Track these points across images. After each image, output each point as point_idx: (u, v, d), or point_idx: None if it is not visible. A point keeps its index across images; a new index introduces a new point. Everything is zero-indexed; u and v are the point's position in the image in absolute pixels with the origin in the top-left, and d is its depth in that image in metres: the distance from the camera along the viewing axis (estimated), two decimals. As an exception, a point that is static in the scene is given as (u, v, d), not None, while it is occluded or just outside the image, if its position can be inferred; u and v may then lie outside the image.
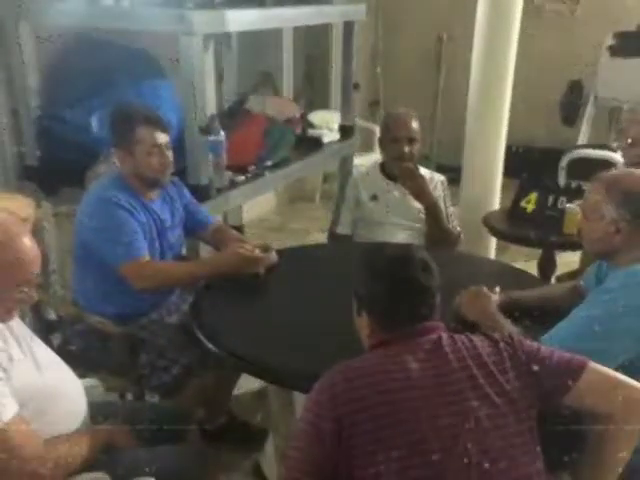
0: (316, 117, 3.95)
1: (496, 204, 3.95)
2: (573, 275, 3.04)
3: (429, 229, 2.84)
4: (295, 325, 2.00)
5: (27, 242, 1.54)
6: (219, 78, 3.98)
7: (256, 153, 3.13)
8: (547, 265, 3.50)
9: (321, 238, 3.71)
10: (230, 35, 3.91)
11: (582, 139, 5.25)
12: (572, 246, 3.09)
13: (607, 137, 5.46)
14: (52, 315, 2.59)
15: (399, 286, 1.43)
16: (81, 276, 2.38)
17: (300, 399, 1.91)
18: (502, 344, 1.40)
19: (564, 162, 4.11)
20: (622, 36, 5.15)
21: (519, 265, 2.84)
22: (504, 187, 3.98)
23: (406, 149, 2.80)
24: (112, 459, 1.65)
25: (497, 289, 2.01)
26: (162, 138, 2.28)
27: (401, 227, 2.89)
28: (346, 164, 3.84)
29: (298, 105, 3.86)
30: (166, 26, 2.57)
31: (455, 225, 2.94)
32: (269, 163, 3.18)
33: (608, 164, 3.50)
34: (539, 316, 1.91)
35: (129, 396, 2.32)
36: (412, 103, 3.61)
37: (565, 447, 1.44)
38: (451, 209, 2.95)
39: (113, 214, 2.20)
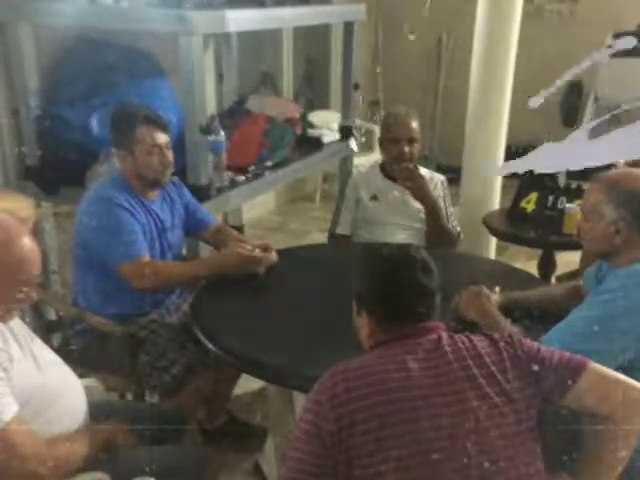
0: (316, 117, 3.96)
1: (496, 204, 3.95)
2: (573, 275, 3.04)
3: (429, 229, 2.84)
4: (295, 325, 2.00)
5: (27, 242, 1.54)
6: (219, 78, 3.99)
7: (256, 153, 3.13)
8: (547, 265, 3.50)
9: (321, 238, 3.71)
10: (230, 35, 3.92)
11: (582, 139, 5.24)
12: (572, 246, 3.08)
13: (607, 137, 5.46)
14: (52, 315, 2.59)
15: (399, 286, 1.42)
16: (81, 276, 2.38)
17: (300, 399, 1.91)
18: (502, 344, 1.40)
19: (564, 162, 4.10)
20: (622, 36, 5.14)
21: (519, 265, 2.85)
22: (504, 187, 3.98)
23: (406, 149, 2.80)
24: (112, 459, 1.65)
25: (497, 289, 2.01)
26: (162, 138, 2.28)
27: (401, 227, 2.88)
28: (346, 164, 3.84)
29: (298, 105, 3.86)
30: (166, 26, 2.57)
31: (455, 225, 2.94)
32: (269, 163, 3.18)
33: (608, 164, 3.49)
34: (539, 316, 1.91)
35: (129, 396, 2.32)
36: (412, 103, 3.61)
37: (565, 447, 1.44)
38: (451, 209, 2.95)
39: (113, 214, 2.21)
